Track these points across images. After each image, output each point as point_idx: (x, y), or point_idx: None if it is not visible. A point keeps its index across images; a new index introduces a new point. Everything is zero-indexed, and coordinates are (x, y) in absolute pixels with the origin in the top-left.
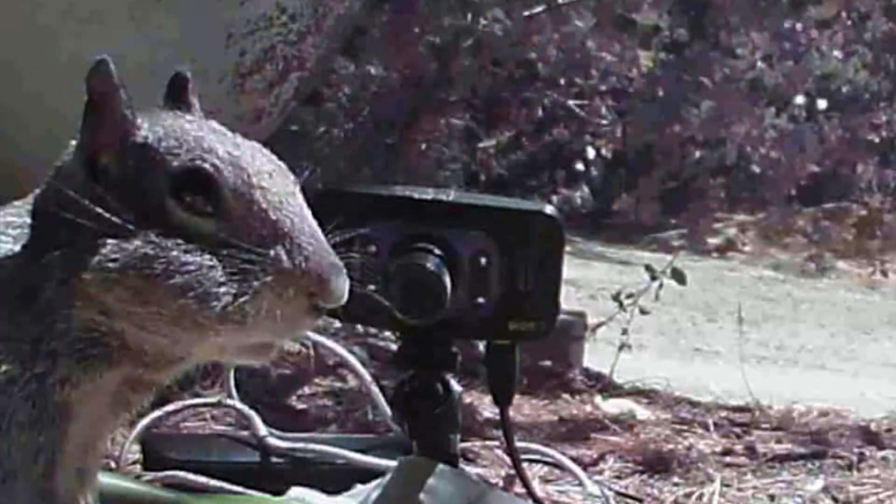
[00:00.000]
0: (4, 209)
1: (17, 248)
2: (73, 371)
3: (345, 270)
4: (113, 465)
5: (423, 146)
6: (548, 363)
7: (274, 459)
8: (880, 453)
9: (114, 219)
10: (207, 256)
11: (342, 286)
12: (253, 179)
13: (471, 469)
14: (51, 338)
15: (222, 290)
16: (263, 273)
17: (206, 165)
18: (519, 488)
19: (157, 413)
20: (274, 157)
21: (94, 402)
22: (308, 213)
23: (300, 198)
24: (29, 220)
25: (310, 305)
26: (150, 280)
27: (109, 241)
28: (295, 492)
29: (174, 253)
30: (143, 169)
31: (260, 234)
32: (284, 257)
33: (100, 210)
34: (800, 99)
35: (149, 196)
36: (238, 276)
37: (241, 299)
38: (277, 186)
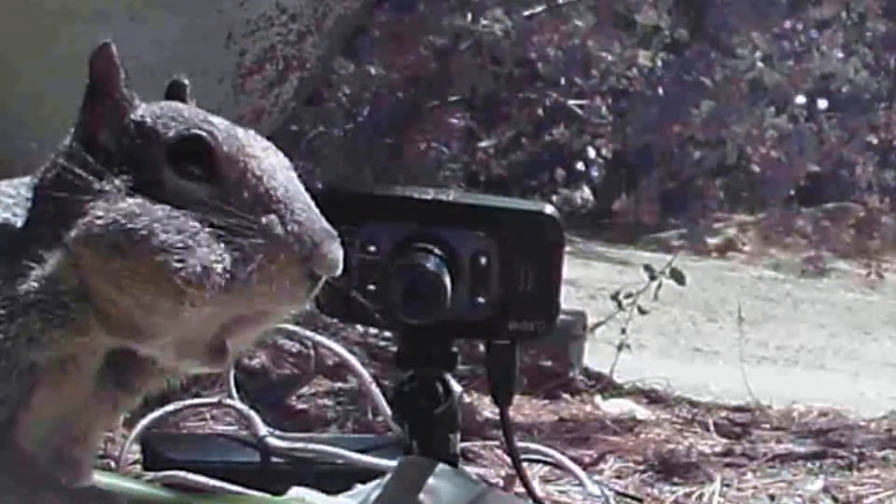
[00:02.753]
0: (2, 182)
1: (9, 215)
2: (37, 328)
3: (338, 238)
4: (113, 465)
5: (423, 146)
6: (548, 363)
7: (274, 459)
8: (880, 453)
9: (105, 186)
10: (195, 217)
11: (336, 252)
12: (247, 149)
13: (471, 469)
14: (24, 293)
15: (207, 250)
16: (254, 237)
17: (202, 133)
18: (519, 488)
19: (157, 413)
20: (271, 144)
21: (71, 380)
22: (301, 186)
23: (294, 174)
24: (25, 193)
25: (303, 273)
26: (131, 235)
27: (100, 203)
28: (295, 492)
29: (160, 212)
30: (140, 144)
31: (253, 201)
32: (277, 223)
33: (93, 179)
34: (800, 99)
35: (145, 168)
36: (227, 238)
37: (228, 261)
38: (271, 159)
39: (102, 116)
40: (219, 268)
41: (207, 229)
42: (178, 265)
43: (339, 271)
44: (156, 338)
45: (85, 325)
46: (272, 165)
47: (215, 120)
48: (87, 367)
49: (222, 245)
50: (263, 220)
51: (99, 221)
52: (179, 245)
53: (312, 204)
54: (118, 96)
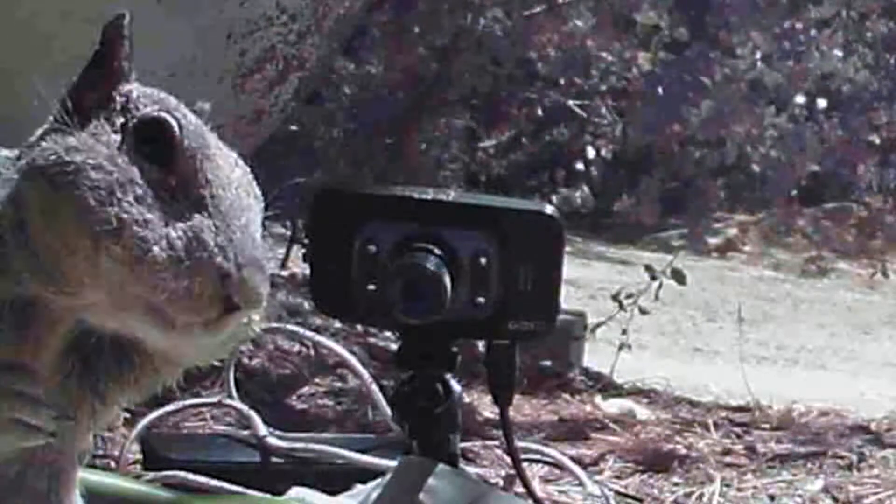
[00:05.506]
0: None
1: None
2: None
3: (268, 275)
4: (113, 465)
5: (423, 146)
6: (548, 363)
7: (274, 459)
8: (880, 453)
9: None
10: (135, 173)
11: (259, 286)
12: (208, 152)
13: (471, 469)
14: None
15: (135, 207)
16: (179, 225)
17: (170, 118)
18: (519, 488)
19: (157, 413)
20: (247, 169)
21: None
22: (256, 218)
23: (254, 203)
24: (7, 153)
25: (217, 292)
26: (65, 167)
27: (49, 138)
28: (295, 492)
29: (103, 152)
30: (119, 116)
31: (194, 200)
32: (209, 228)
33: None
34: (800, 99)
35: (118, 140)
36: (154, 211)
37: (147, 234)
38: (231, 173)
39: (93, 82)
40: (138, 232)
41: (138, 189)
42: (96, 205)
43: (259, 306)
44: (78, 288)
45: (16, 264)
46: (228, 178)
47: (192, 117)
48: (44, 348)
49: (150, 213)
50: (197, 219)
51: (42, 153)
52: (105, 188)
53: (258, 238)
54: (115, 65)
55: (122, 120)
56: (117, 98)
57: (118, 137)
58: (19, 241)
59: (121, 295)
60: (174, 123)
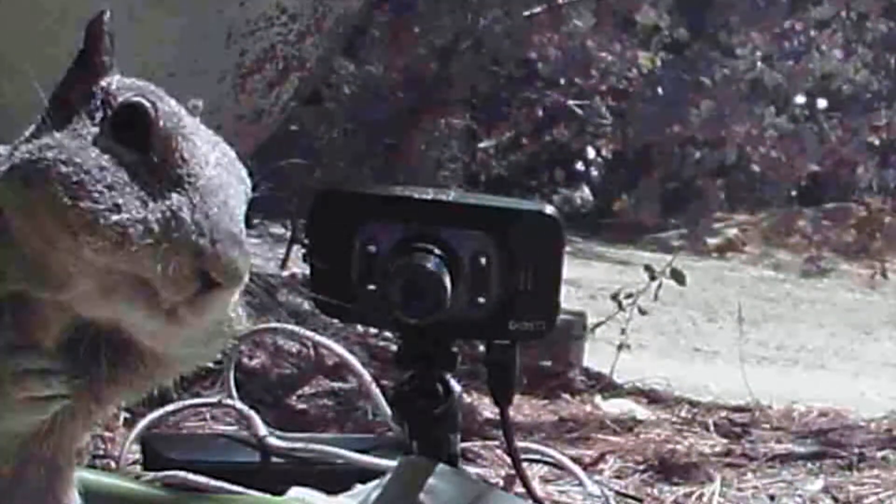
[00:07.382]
0: None
1: None
2: None
3: (247, 250)
4: (113, 465)
5: (423, 146)
6: (548, 363)
7: (274, 459)
8: (880, 453)
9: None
10: (107, 160)
11: (236, 259)
12: (185, 132)
13: (471, 469)
14: None
15: (107, 194)
16: (156, 205)
17: (144, 101)
18: (519, 488)
19: (157, 413)
20: (229, 151)
21: None
22: (238, 196)
23: (234, 183)
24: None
25: (195, 269)
26: (37, 164)
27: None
28: (295, 492)
29: (73, 147)
30: (101, 108)
31: (172, 180)
32: (186, 206)
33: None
34: (800, 99)
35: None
36: (129, 195)
37: (124, 219)
38: (209, 153)
39: (77, 79)
40: (112, 218)
41: (114, 174)
42: (69, 201)
43: (238, 282)
44: (66, 281)
45: (4, 264)
46: (206, 157)
47: (169, 100)
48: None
49: (124, 196)
50: (175, 198)
51: (19, 154)
52: (76, 181)
53: (237, 214)
54: (96, 61)
55: (101, 113)
56: (97, 92)
57: (97, 130)
58: (4, 242)
59: (107, 279)
60: (149, 106)
